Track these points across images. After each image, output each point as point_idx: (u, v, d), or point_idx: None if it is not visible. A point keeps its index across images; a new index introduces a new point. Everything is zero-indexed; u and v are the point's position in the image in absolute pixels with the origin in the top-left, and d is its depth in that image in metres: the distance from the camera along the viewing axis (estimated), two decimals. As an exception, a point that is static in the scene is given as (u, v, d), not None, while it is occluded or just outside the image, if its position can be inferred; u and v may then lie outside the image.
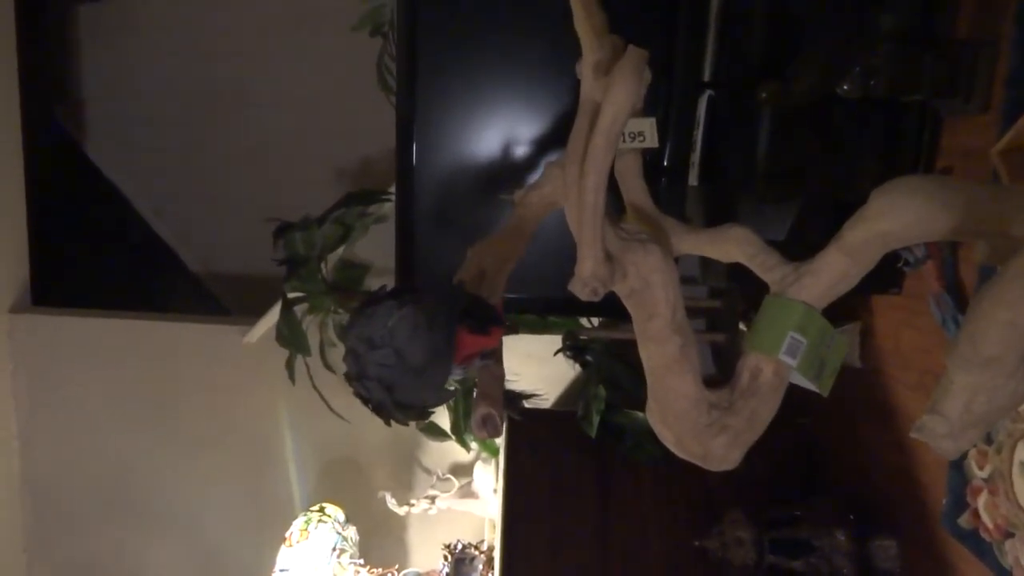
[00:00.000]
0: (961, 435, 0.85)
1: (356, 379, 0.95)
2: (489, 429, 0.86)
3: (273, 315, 2.45)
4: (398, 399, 0.93)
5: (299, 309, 2.31)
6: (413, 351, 0.91)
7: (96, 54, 3.46)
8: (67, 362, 2.77)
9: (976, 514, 1.51)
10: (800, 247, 1.02)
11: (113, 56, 3.41)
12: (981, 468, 1.49)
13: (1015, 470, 1.40)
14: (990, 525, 1.47)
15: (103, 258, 3.63)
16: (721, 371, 2.36)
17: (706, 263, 1.93)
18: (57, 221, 3.49)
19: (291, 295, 2.28)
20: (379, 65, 2.40)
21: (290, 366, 2.31)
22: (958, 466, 1.56)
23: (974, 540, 1.52)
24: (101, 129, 3.57)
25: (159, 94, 3.39)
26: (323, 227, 2.20)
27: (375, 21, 2.36)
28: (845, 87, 1.52)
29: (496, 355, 0.98)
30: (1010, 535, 1.42)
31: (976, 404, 0.83)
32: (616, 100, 0.78)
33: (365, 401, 0.96)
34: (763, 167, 1.67)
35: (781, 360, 0.92)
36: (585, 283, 0.88)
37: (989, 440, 1.46)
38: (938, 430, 0.86)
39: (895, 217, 0.85)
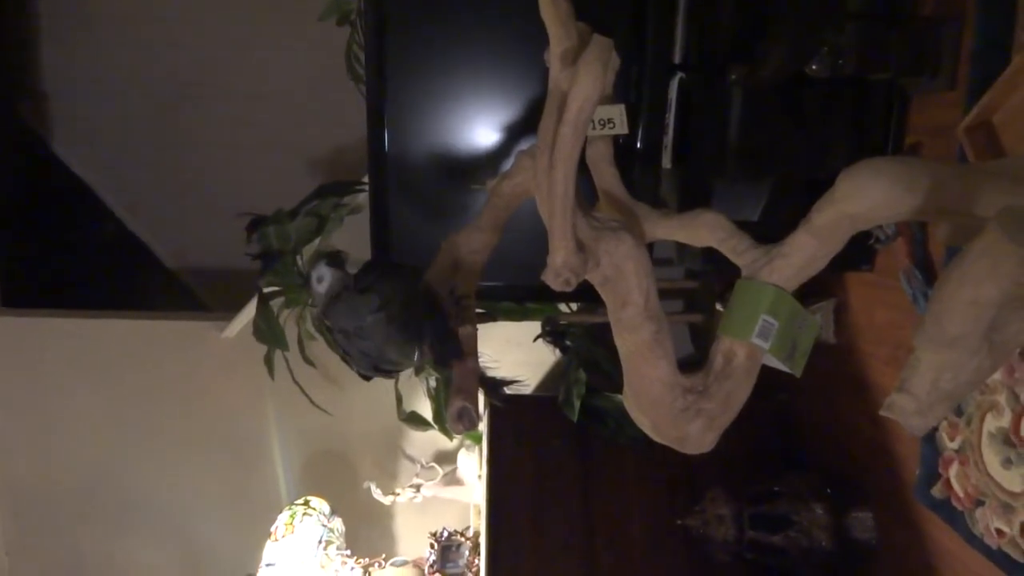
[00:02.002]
0: (929, 411, 0.87)
1: (345, 354, 1.08)
2: (465, 423, 0.86)
3: (250, 310, 2.43)
4: (382, 370, 1.08)
5: (276, 303, 2.29)
6: (388, 350, 1.03)
7: (58, 47, 3.37)
8: (42, 364, 2.73)
9: (948, 484, 1.54)
10: (774, 227, 1.03)
11: (76, 49, 3.33)
12: (952, 440, 1.53)
13: (984, 441, 1.44)
14: (961, 494, 1.51)
15: (75, 257, 3.57)
16: (699, 351, 2.38)
17: (682, 245, 1.94)
18: (25, 220, 3.43)
19: (267, 289, 2.26)
20: (348, 54, 2.37)
21: (269, 361, 2.30)
22: (930, 438, 1.59)
23: (946, 509, 1.55)
24: (67, 125, 3.50)
25: (125, 87, 3.32)
26: (297, 220, 2.18)
27: (341, 10, 2.33)
28: (814, 67, 1.53)
29: (470, 348, 0.99)
30: (980, 503, 1.46)
31: (943, 381, 0.85)
32: (582, 90, 0.78)
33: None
34: (735, 148, 1.68)
35: (754, 343, 0.93)
36: (557, 273, 0.88)
37: (959, 412, 1.50)
38: (907, 407, 0.87)
39: (861, 199, 0.86)
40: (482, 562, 2.11)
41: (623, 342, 0.97)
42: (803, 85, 1.60)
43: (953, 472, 1.53)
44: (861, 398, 1.93)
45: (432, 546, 2.46)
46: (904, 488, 1.73)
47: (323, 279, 1.09)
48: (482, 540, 2.14)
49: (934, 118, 1.62)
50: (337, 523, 2.46)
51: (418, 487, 2.57)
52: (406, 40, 1.62)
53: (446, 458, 2.71)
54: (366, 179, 1.76)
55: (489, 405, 2.26)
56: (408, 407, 2.47)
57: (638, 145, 1.67)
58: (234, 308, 2.65)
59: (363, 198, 2.23)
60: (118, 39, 3.27)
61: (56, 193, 3.57)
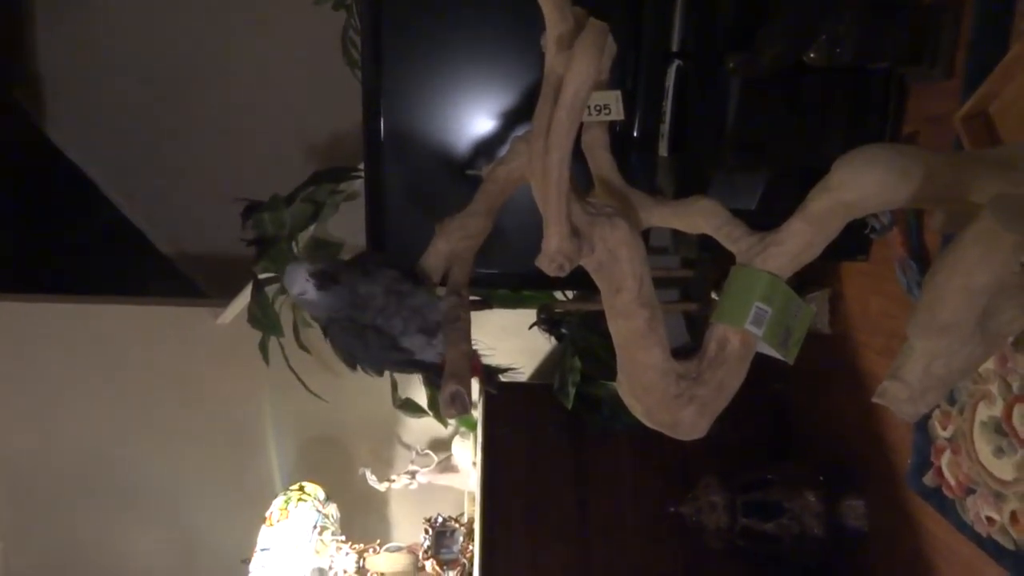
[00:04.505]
0: (921, 399, 0.88)
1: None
2: (458, 407, 0.86)
3: (246, 296, 2.43)
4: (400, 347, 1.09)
5: (271, 289, 2.29)
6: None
7: (54, 32, 3.35)
8: (37, 349, 2.73)
9: (940, 472, 1.55)
10: (770, 215, 1.03)
11: (71, 34, 3.31)
12: (944, 428, 1.53)
13: (976, 430, 1.44)
14: (953, 483, 1.52)
15: (70, 242, 3.56)
16: (694, 339, 2.39)
17: (678, 233, 1.94)
18: (20, 206, 3.41)
19: (262, 275, 2.26)
20: (344, 39, 2.36)
21: (264, 347, 2.30)
22: (922, 427, 1.60)
23: (938, 497, 1.56)
24: (62, 110, 3.48)
25: (121, 71, 3.30)
26: (292, 206, 2.17)
27: (337, -6, 2.32)
28: (812, 55, 1.52)
29: (463, 331, 0.99)
30: (971, 492, 1.47)
31: (935, 368, 0.85)
32: (577, 75, 0.77)
33: None
34: (732, 136, 1.68)
35: (747, 330, 0.93)
36: (551, 259, 0.88)
37: (952, 401, 1.51)
38: (899, 394, 0.88)
39: (856, 187, 0.86)
40: (476, 548, 2.12)
41: (617, 328, 0.97)
42: (801, 73, 1.59)
43: (945, 461, 1.54)
44: (855, 387, 1.94)
45: (426, 532, 2.47)
46: (896, 476, 1.74)
47: (305, 293, 1.06)
48: (476, 526, 2.15)
49: (931, 107, 1.62)
50: (332, 509, 2.47)
51: (413, 474, 2.58)
52: (402, 25, 1.61)
53: (441, 445, 2.72)
54: (362, 165, 1.75)
55: (484, 393, 2.26)
56: (403, 394, 2.47)
57: (635, 133, 1.67)
58: (230, 294, 2.65)
59: (359, 184, 2.22)
60: (113, 24, 3.25)
61: (51, 179, 3.56)
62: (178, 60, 3.25)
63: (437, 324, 1.07)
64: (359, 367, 1.09)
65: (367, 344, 1.05)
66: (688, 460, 2.14)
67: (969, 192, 0.85)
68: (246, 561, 2.29)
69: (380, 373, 1.13)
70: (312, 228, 2.36)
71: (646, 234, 1.19)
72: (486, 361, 2.01)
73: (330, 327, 1.07)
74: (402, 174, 1.70)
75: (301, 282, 1.03)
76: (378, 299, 1.05)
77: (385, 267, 1.07)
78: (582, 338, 2.22)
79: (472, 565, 2.22)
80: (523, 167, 1.08)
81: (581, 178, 1.05)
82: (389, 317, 1.07)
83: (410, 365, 1.09)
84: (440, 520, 2.49)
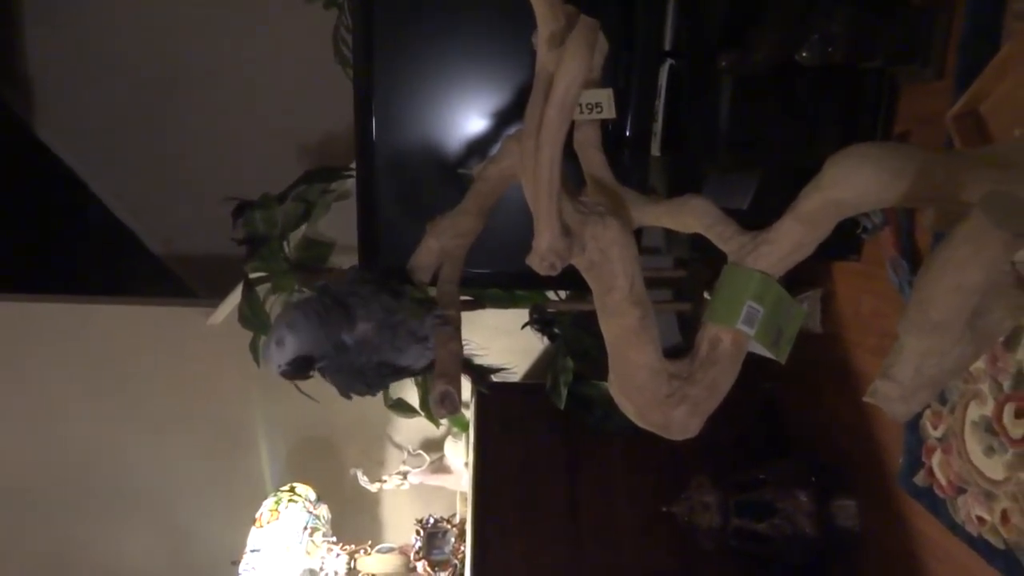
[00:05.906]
0: (912, 398, 0.88)
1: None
2: (448, 406, 0.86)
3: (236, 296, 2.41)
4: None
5: (262, 289, 2.27)
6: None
7: (43, 31, 3.32)
8: (25, 349, 2.71)
9: (931, 472, 1.56)
10: (762, 214, 1.02)
11: (61, 33, 3.29)
12: (935, 428, 1.54)
13: (967, 429, 1.45)
14: (944, 482, 1.52)
15: (60, 242, 3.53)
16: (686, 339, 2.39)
17: (670, 233, 1.94)
18: (10, 206, 3.38)
19: (253, 275, 2.24)
20: (335, 38, 2.34)
21: (254, 347, 2.28)
22: (914, 426, 1.60)
23: (929, 497, 1.57)
24: (52, 110, 3.45)
25: (111, 71, 3.28)
26: (284, 205, 2.16)
27: (329, -8, 2.30)
28: (804, 54, 1.52)
29: (453, 330, 0.98)
30: (962, 491, 1.47)
31: (926, 367, 0.85)
32: (568, 72, 0.77)
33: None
34: (724, 136, 1.68)
35: (739, 329, 0.93)
36: (543, 257, 0.87)
37: (943, 401, 1.51)
38: (891, 394, 0.88)
39: (848, 185, 0.86)
40: (468, 549, 2.12)
41: (609, 328, 0.96)
42: (793, 73, 1.59)
43: (936, 460, 1.54)
44: (846, 387, 1.94)
45: (418, 533, 2.46)
46: (888, 476, 1.75)
47: (286, 373, 1.03)
48: (468, 527, 2.15)
49: (923, 107, 1.62)
50: (323, 510, 2.46)
51: (405, 474, 2.57)
52: (394, 23, 1.60)
53: (433, 446, 2.71)
54: (353, 164, 1.74)
55: (476, 393, 2.26)
56: (395, 394, 2.46)
57: (627, 131, 1.67)
58: (221, 294, 2.63)
59: (351, 183, 2.21)
60: (104, 23, 3.22)
61: (41, 179, 3.53)
62: (168, 59, 3.23)
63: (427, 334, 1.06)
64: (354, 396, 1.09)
65: (368, 383, 1.05)
66: (680, 460, 2.14)
67: (961, 191, 0.85)
68: (236, 563, 2.28)
69: (375, 393, 1.12)
70: (303, 227, 2.34)
71: (638, 233, 1.18)
72: (478, 361, 2.01)
73: (323, 368, 1.06)
74: (394, 173, 1.69)
75: (274, 367, 1.01)
76: (371, 340, 1.04)
77: (378, 293, 1.05)
78: (574, 338, 2.22)
79: (464, 566, 2.21)
80: (514, 166, 1.08)
81: (573, 177, 1.04)
82: (385, 352, 1.05)
83: (406, 374, 1.08)
84: (432, 521, 2.48)
